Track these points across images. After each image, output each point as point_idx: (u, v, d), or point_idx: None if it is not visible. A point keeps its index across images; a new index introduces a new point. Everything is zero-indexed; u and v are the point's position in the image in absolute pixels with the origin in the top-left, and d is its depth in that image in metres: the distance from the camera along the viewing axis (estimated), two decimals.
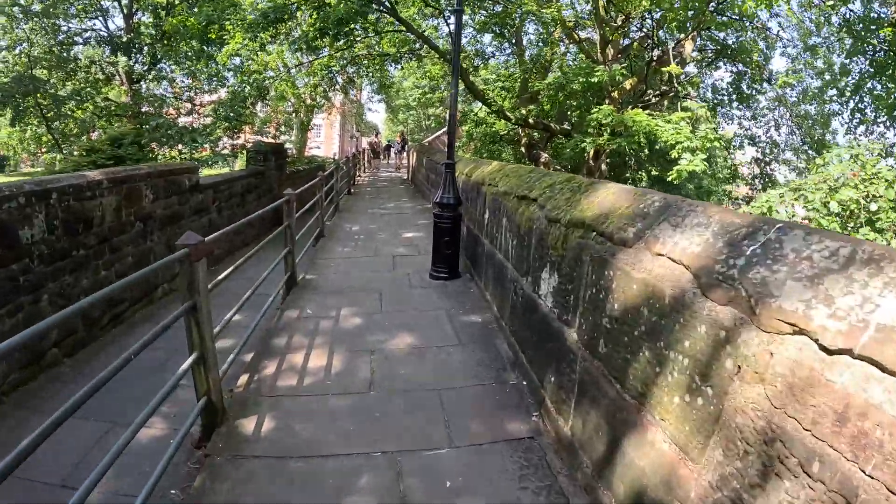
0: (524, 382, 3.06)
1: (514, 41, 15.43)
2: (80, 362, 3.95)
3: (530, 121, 12.28)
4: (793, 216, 5.36)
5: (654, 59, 11.89)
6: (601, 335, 2.00)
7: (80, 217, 4.33)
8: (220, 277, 2.83)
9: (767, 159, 15.95)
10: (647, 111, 10.45)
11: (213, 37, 11.81)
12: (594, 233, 2.18)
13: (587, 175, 12.03)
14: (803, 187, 5.60)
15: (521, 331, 3.28)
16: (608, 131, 9.37)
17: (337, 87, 17.31)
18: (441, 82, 17.42)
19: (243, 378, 3.12)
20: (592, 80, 9.31)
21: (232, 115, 11.76)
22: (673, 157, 8.52)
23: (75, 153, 9.22)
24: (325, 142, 45.38)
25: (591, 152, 11.43)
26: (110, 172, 4.96)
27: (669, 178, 8.70)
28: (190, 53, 12.46)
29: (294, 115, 18.24)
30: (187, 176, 6.49)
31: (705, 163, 8.44)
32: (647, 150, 10.29)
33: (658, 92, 12.83)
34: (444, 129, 38.48)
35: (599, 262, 2.06)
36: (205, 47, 11.72)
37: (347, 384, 3.06)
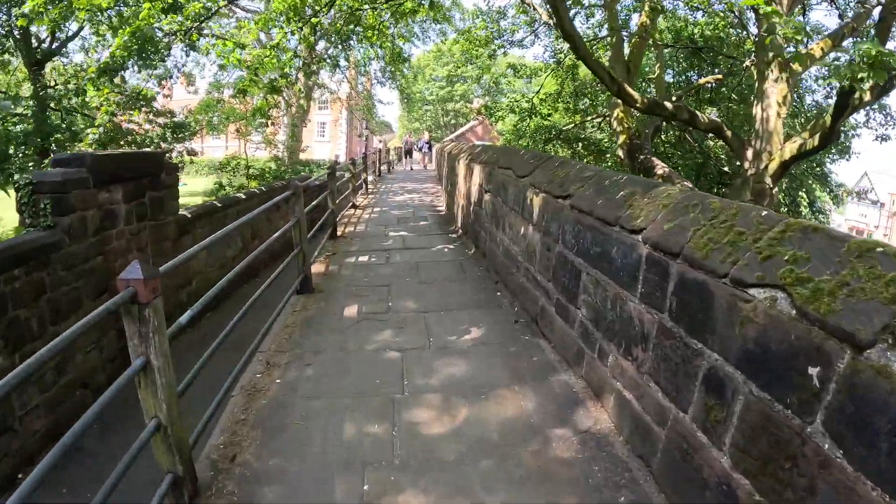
0: None
1: None
2: None
3: (668, 105, 7.35)
4: None
5: None
6: None
7: None
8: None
9: None
10: None
11: None
12: None
13: (754, 201, 6.96)
14: None
15: None
16: None
17: (321, 56, 12.21)
18: (480, 53, 12.57)
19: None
20: None
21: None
22: None
23: None
24: (330, 141, 40.74)
25: (770, 167, 6.55)
26: None
27: None
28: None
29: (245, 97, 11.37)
30: None
31: None
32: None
33: None
34: (471, 124, 33.15)
35: None
36: None
37: None
